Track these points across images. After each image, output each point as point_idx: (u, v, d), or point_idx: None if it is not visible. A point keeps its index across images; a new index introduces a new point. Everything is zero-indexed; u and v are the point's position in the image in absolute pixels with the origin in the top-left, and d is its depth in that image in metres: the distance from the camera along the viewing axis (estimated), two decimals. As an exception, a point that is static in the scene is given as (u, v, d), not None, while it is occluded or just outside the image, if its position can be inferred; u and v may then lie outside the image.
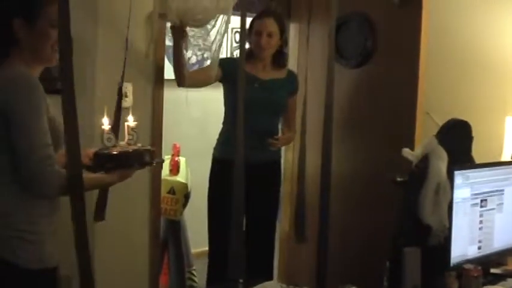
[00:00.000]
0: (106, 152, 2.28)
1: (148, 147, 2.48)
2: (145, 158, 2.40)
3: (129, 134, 2.39)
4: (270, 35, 3.79)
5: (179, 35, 3.39)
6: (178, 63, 3.47)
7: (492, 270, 2.74)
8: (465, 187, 2.58)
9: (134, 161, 2.35)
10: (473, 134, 2.98)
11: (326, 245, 2.54)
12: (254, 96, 3.54)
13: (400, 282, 2.45)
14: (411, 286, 2.44)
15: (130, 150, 2.34)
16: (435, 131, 2.91)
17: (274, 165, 3.93)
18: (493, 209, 2.75)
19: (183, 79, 3.52)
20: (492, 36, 3.91)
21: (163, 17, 3.35)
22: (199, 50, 5.72)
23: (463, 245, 2.61)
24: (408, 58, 3.81)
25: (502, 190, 2.79)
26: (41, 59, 2.22)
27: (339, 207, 3.52)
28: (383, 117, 3.93)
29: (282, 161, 4.09)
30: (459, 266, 2.51)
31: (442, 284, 2.47)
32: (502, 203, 2.80)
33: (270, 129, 3.85)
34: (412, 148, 2.82)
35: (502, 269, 2.81)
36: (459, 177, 2.54)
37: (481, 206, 2.68)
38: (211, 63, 3.65)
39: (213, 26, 3.45)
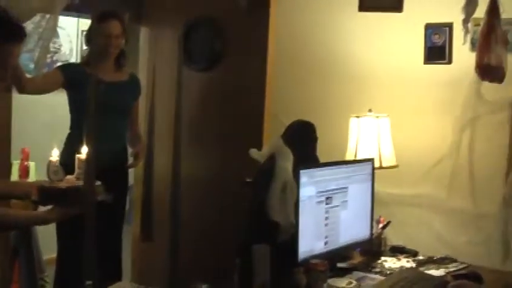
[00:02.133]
0: (51, 186, 2.13)
1: (99, 183, 2.28)
2: (98, 195, 2.22)
3: (79, 168, 2.21)
4: (117, 37, 3.77)
5: None
6: (14, 71, 3.36)
7: (338, 265, 2.83)
8: (311, 185, 2.66)
9: (84, 198, 2.17)
10: (319, 134, 3.08)
11: (177, 244, 2.53)
12: (101, 99, 3.49)
13: (250, 278, 2.50)
14: (260, 282, 2.48)
15: (79, 186, 2.17)
16: (282, 132, 2.98)
17: (122, 168, 3.91)
18: (338, 206, 2.84)
19: (21, 86, 3.42)
20: (337, 40, 4.06)
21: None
22: (49, 52, 5.57)
23: (310, 241, 2.68)
24: (256, 61, 3.91)
25: (346, 188, 2.90)
26: None
27: (191, 208, 3.54)
28: (233, 119, 4.00)
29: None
30: (307, 261, 2.58)
31: (290, 279, 2.52)
32: (346, 200, 2.90)
33: (119, 132, 3.82)
34: (260, 149, 2.88)
35: (348, 263, 2.91)
36: (304, 176, 2.60)
37: (327, 204, 2.76)
38: (35, 67, 3.51)
39: (38, 27, 3.28)
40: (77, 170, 2.23)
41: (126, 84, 3.89)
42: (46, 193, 2.13)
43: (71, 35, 5.86)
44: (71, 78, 3.68)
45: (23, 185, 2.52)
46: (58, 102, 4.12)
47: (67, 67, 3.82)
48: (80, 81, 3.57)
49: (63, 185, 2.15)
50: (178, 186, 2.59)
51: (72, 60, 5.82)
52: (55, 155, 2.20)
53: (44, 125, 5.46)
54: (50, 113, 5.33)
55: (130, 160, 4.00)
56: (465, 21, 3.20)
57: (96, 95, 3.53)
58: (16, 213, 1.97)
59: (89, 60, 3.81)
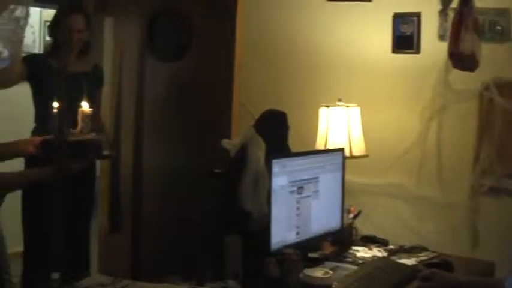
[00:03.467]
0: (59, 139, 2.05)
1: (104, 137, 2.22)
2: (103, 149, 2.14)
3: (82, 122, 2.12)
4: (80, 31, 3.72)
5: None
6: None
7: (310, 255, 2.82)
8: (282, 175, 2.63)
9: (90, 152, 2.08)
10: (290, 124, 3.06)
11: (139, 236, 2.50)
12: (65, 90, 3.43)
13: (222, 270, 2.47)
14: (232, 273, 2.46)
15: (86, 139, 2.07)
16: (251, 122, 2.96)
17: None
18: (309, 196, 2.82)
19: None
20: (306, 30, 4.04)
21: None
22: (12, 43, 5.46)
23: (282, 231, 2.65)
24: (224, 51, 3.87)
25: (317, 177, 2.88)
26: None
27: (156, 198, 3.51)
28: (201, 109, 3.96)
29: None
30: (279, 251, 2.56)
31: (263, 270, 2.50)
32: (318, 190, 2.88)
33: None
34: (229, 139, 2.85)
35: (319, 253, 2.89)
36: (277, 165, 2.58)
37: (298, 193, 2.74)
38: (11, 61, 3.46)
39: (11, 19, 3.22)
40: (80, 124, 2.15)
41: (89, 74, 3.83)
42: (52, 146, 2.03)
43: (34, 26, 5.75)
44: (34, 70, 3.61)
45: (15, 143, 2.44)
46: (20, 94, 4.05)
47: (30, 59, 3.74)
48: (44, 73, 3.51)
49: (72, 138, 2.10)
50: (140, 177, 2.56)
51: (35, 51, 5.71)
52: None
53: (4, 117, 5.35)
54: (9, 105, 5.22)
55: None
56: (443, 11, 3.20)
57: (59, 86, 3.50)
58: (7, 172, 1.91)
59: (51, 51, 3.76)
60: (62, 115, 2.15)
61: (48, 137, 2.09)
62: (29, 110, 3.79)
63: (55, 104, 2.14)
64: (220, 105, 3.90)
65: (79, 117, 2.17)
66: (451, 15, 3.27)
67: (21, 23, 3.24)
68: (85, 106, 2.15)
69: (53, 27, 3.80)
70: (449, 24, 3.26)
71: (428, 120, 3.71)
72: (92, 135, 2.16)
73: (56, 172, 2.10)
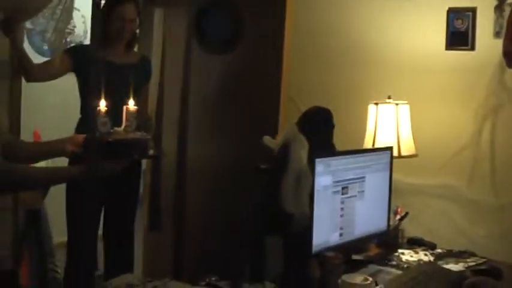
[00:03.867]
0: (101, 138, 2.00)
1: (149, 136, 2.17)
2: (148, 149, 2.11)
3: (127, 120, 2.10)
4: (131, 21, 3.69)
5: (8, 29, 3.19)
6: (19, 59, 3.29)
7: (354, 257, 2.75)
8: (326, 175, 2.56)
9: (133, 152, 2.07)
10: (336, 121, 2.98)
11: (182, 235, 2.46)
12: (112, 83, 3.43)
13: (262, 271, 2.42)
14: (273, 275, 2.40)
15: (129, 139, 2.05)
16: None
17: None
18: (354, 196, 2.75)
19: (29, 74, 3.37)
20: (356, 25, 3.95)
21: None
22: (63, 34, 5.51)
23: (325, 233, 2.59)
24: (273, 45, 3.81)
25: (363, 177, 2.80)
26: None
27: (201, 196, 3.46)
28: (248, 104, 3.91)
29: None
30: (321, 254, 2.50)
31: (304, 272, 2.44)
32: (363, 190, 2.80)
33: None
34: (276, 134, 2.79)
35: (364, 255, 2.83)
36: (320, 164, 2.51)
37: (343, 194, 2.67)
38: (49, 49, 3.45)
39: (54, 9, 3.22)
40: (125, 123, 2.10)
41: (137, 67, 3.80)
42: (96, 145, 1.99)
43: (85, 16, 5.77)
44: (80, 61, 3.60)
45: (56, 142, 2.42)
46: (69, 83, 4.06)
47: (76, 50, 3.74)
48: (90, 65, 3.50)
49: (115, 137, 2.02)
50: (183, 174, 2.51)
51: (87, 42, 5.74)
52: (103, 106, 2.06)
53: (54, 107, 5.40)
54: (60, 94, 5.26)
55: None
56: (499, 6, 3.08)
57: (107, 79, 3.49)
58: (36, 169, 1.88)
59: (100, 41, 3.74)
60: (108, 113, 2.09)
61: (90, 135, 2.04)
62: (76, 99, 3.80)
63: (102, 103, 2.09)
64: (269, 100, 3.84)
65: (124, 115, 2.11)
66: (507, 10, 3.14)
67: (65, 14, 3.24)
68: (131, 103, 2.09)
69: (104, 16, 3.78)
70: (505, 21, 3.14)
71: (482, 120, 3.58)
72: (137, 135, 2.09)
73: (89, 172, 2.06)
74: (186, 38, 3.74)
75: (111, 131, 2.08)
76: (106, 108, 2.11)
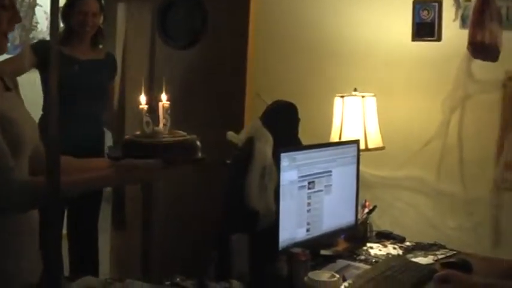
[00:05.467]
0: (145, 140, 1.81)
1: (195, 136, 1.95)
2: (196, 152, 1.88)
3: (164, 118, 1.90)
4: (94, 15, 3.63)
5: None
6: None
7: (322, 252, 2.71)
8: (292, 169, 2.51)
9: (183, 155, 1.85)
10: (302, 114, 2.93)
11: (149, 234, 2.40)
12: (75, 80, 3.35)
13: (229, 269, 2.36)
14: (240, 273, 2.35)
15: (179, 140, 1.85)
16: (265, 112, 2.83)
17: (99, 152, 3.74)
18: (321, 190, 2.70)
19: None
20: (321, 17, 3.91)
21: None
22: (24, 30, 5.41)
23: (292, 228, 2.54)
24: (238, 39, 3.75)
25: (330, 171, 2.75)
26: None
27: (167, 192, 3.38)
28: (214, 98, 3.84)
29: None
30: (288, 250, 2.45)
31: (271, 269, 2.39)
32: (330, 185, 2.76)
33: (95, 114, 3.66)
34: (240, 130, 2.73)
35: (332, 250, 2.78)
36: (285, 159, 2.46)
37: (309, 188, 2.62)
38: (23, 48, 3.38)
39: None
40: (162, 120, 1.90)
41: (102, 64, 3.73)
42: (137, 148, 1.80)
43: (47, 12, 5.67)
44: (44, 57, 3.51)
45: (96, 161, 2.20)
46: (28, 81, 3.98)
47: (40, 46, 3.65)
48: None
49: (158, 139, 1.83)
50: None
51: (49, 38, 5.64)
52: (144, 103, 1.87)
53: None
54: (22, 92, 5.14)
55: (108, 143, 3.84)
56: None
57: (71, 75, 3.41)
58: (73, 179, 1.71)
59: (64, 37, 3.66)
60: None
61: (132, 136, 1.86)
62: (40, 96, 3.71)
63: (143, 99, 1.90)
64: (233, 95, 3.78)
65: (160, 112, 1.92)
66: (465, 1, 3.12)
67: (29, 11, 3.15)
68: (163, 98, 1.91)
69: (66, 10, 3.69)
70: (466, 11, 3.12)
71: (450, 111, 3.56)
72: (184, 134, 1.93)
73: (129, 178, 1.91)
74: (150, 33, 3.66)
75: (155, 130, 1.88)
76: (147, 106, 1.92)
